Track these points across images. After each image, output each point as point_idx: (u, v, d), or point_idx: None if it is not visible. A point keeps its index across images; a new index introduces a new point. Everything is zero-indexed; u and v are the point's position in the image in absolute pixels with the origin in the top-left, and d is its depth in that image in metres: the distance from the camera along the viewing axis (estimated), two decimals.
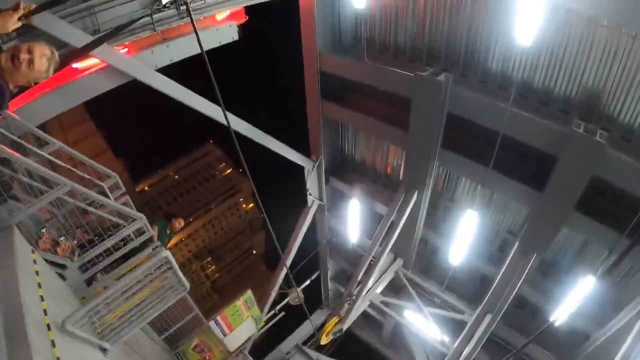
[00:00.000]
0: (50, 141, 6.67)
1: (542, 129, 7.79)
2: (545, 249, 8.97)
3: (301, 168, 13.03)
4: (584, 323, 9.98)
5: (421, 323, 11.94)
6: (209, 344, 11.23)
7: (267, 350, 16.67)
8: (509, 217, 10.19)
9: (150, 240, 7.18)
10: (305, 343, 16.52)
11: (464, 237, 10.54)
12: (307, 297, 15.68)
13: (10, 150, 5.13)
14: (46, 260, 5.67)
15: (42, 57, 3.44)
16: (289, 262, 14.70)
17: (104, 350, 5.82)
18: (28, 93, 7.16)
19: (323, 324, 14.01)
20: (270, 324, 15.16)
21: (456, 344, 10.07)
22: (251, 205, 78.91)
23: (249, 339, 13.61)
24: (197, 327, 10.75)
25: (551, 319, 9.72)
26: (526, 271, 8.78)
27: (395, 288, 13.06)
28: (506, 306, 9.19)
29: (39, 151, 6.15)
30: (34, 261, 5.16)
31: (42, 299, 4.75)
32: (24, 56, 3.34)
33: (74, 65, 7.20)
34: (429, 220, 11.40)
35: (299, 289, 15.38)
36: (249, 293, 14.14)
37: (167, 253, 6.89)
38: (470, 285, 12.23)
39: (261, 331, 14.20)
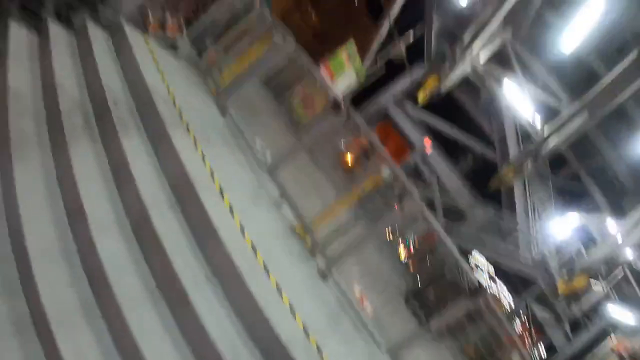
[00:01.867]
0: None
1: None
2: None
3: None
4: None
5: (518, 99, 11.60)
6: (312, 93, 12.11)
7: (365, 100, 17.63)
8: (638, 20, 8.76)
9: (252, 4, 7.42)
10: (404, 97, 17.16)
11: (583, 25, 9.26)
12: (409, 52, 15.65)
13: None
14: (158, 42, 6.33)
15: None
16: (393, 15, 14.26)
17: (223, 109, 6.75)
18: None
19: (423, 81, 14.30)
20: (370, 76, 15.72)
21: (546, 131, 9.93)
22: None
23: (349, 89, 14.44)
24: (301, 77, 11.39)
25: None
26: (636, 85, 7.89)
27: (499, 58, 12.40)
28: (605, 108, 8.61)
29: None
30: (148, 45, 5.85)
31: (162, 77, 5.58)
32: None
33: None
34: None
35: (402, 43, 15.29)
36: (351, 44, 14.38)
37: (269, 17, 7.18)
38: (576, 77, 11.15)
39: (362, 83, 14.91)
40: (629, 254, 9.87)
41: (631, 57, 8.06)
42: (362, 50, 15.58)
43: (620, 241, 10.41)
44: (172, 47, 6.76)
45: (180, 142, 4.45)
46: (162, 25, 6.55)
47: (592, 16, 9.11)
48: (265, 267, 4.01)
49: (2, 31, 4.69)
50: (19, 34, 4.84)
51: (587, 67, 10.85)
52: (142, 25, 6.33)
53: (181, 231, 3.80)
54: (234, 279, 3.61)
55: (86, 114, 4.33)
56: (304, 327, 3.83)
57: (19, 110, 3.84)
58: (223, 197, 4.27)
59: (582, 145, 11.69)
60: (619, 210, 11.92)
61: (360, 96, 17.54)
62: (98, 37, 5.42)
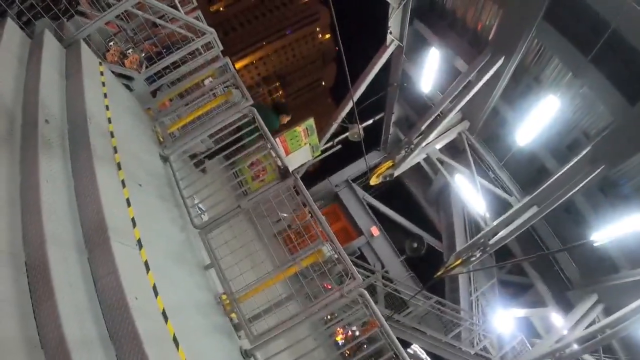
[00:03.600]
0: None
1: None
2: (614, 165, 8.32)
3: (385, 4, 12.21)
4: (620, 256, 9.78)
5: (469, 191, 11.97)
6: (263, 162, 11.88)
7: (317, 179, 17.73)
8: (591, 118, 9.30)
9: (218, 57, 7.25)
10: (355, 180, 17.39)
11: (537, 122, 9.88)
12: (366, 136, 16.03)
13: None
14: (113, 73, 5.94)
15: None
16: (356, 97, 14.70)
17: (165, 159, 6.28)
18: None
19: (376, 166, 14.50)
20: (326, 154, 15.83)
21: (495, 222, 10.11)
22: (327, 36, 75.85)
23: (303, 164, 14.36)
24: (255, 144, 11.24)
25: (592, 237, 9.51)
26: (587, 180, 8.28)
27: (453, 150, 12.92)
28: (555, 205, 8.94)
29: None
30: (101, 73, 5.44)
31: (107, 108, 5.12)
32: None
33: None
34: (507, 91, 10.60)
35: (361, 126, 15.66)
36: (310, 121, 14.45)
37: (233, 72, 7.02)
38: (528, 171, 11.79)
39: (316, 160, 14.89)
40: (574, 348, 9.74)
41: (581, 155, 8.41)
42: (321, 129, 15.78)
43: (565, 335, 10.38)
44: (128, 81, 6.38)
45: (106, 180, 3.91)
46: (122, 57, 6.20)
47: (546, 114, 9.63)
48: (175, 339, 3.38)
49: None
50: None
51: (538, 162, 11.31)
52: (102, 51, 5.98)
53: (82, 279, 3.16)
54: (133, 348, 2.97)
55: (12, 124, 3.77)
56: None
57: None
58: (140, 249, 3.69)
59: (528, 237, 11.90)
60: (564, 304, 11.99)
61: (313, 176, 17.62)
62: (52, 49, 5.00)
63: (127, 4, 5.43)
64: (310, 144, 14.43)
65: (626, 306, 8.79)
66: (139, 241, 3.76)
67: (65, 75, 5.03)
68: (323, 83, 79.18)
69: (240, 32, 69.67)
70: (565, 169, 8.73)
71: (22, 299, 2.86)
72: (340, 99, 17.88)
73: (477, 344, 13.38)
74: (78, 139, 4.22)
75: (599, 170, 8.10)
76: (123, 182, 4.32)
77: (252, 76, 71.87)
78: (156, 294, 3.50)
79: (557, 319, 12.19)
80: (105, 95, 5.23)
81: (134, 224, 3.92)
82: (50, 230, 3.18)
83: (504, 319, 13.83)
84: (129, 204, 4.10)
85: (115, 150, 4.68)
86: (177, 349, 3.37)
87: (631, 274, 9.45)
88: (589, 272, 11.13)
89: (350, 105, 14.97)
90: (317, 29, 75.44)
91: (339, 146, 16.03)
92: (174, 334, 3.40)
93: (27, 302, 2.88)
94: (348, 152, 16.63)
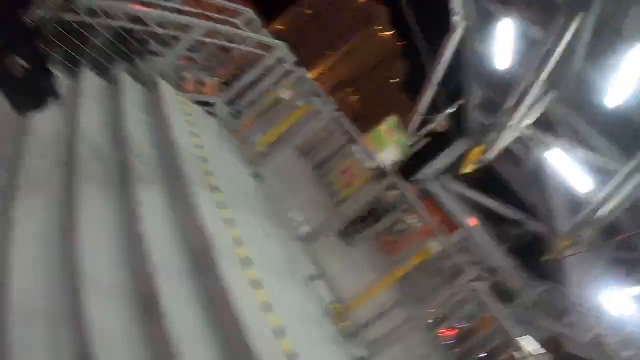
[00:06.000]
0: None
1: None
2: None
3: None
4: None
5: (566, 165, 10.99)
6: (351, 166, 11.66)
7: (406, 176, 17.20)
8: None
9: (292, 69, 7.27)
10: (445, 172, 16.66)
11: (629, 75, 8.76)
12: (456, 121, 15.40)
13: (138, 6, 5.29)
14: (196, 102, 6.12)
15: None
16: (434, 90, 14.23)
17: (257, 175, 6.35)
18: None
19: (465, 153, 13.79)
20: (416, 150, 15.38)
21: (602, 193, 9.05)
22: (389, 33, 75.11)
23: (394, 163, 14.00)
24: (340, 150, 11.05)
25: None
26: None
27: (544, 124, 11.91)
28: None
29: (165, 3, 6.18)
30: (182, 102, 5.61)
31: (193, 136, 5.25)
32: None
33: None
34: (590, 51, 9.59)
35: (445, 114, 15.06)
36: (393, 119, 14.13)
37: (310, 80, 7.02)
38: (626, 135, 10.56)
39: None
40: None
41: None
42: (404, 125, 15.37)
43: None
44: (209, 107, 6.56)
45: (205, 205, 3.95)
46: (199, 85, 6.39)
47: (635, 69, 8.38)
48: (291, 355, 3.30)
49: None
50: None
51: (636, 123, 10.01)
52: (179, 83, 6.19)
53: (193, 304, 3.17)
54: None
55: (107, 163, 3.95)
56: None
57: (36, 150, 3.46)
58: (247, 268, 3.67)
59: (636, 209, 10.63)
60: None
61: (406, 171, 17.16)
62: (131, 89, 5.24)
63: (194, 34, 5.55)
64: (397, 142, 14.08)
65: None
66: (245, 260, 3.75)
67: (148, 111, 5.20)
68: (394, 79, 78.21)
69: (304, 46, 71.00)
70: None
71: (132, 329, 2.85)
72: (415, 91, 17.33)
73: (591, 328, 12.24)
74: (173, 170, 4.32)
75: None
76: (222, 203, 4.37)
77: (325, 87, 72.32)
78: (267, 311, 3.45)
79: None
80: (189, 124, 5.37)
81: (239, 244, 3.92)
82: (158, 259, 3.22)
83: (618, 300, 12.50)
84: (231, 225, 4.13)
85: (209, 175, 4.76)
86: None
87: None
88: None
89: (428, 96, 14.49)
90: (377, 28, 74.93)
91: (429, 139, 15.48)
92: (288, 349, 3.32)
93: (138, 330, 2.86)
94: (428, 147, 16.08)
